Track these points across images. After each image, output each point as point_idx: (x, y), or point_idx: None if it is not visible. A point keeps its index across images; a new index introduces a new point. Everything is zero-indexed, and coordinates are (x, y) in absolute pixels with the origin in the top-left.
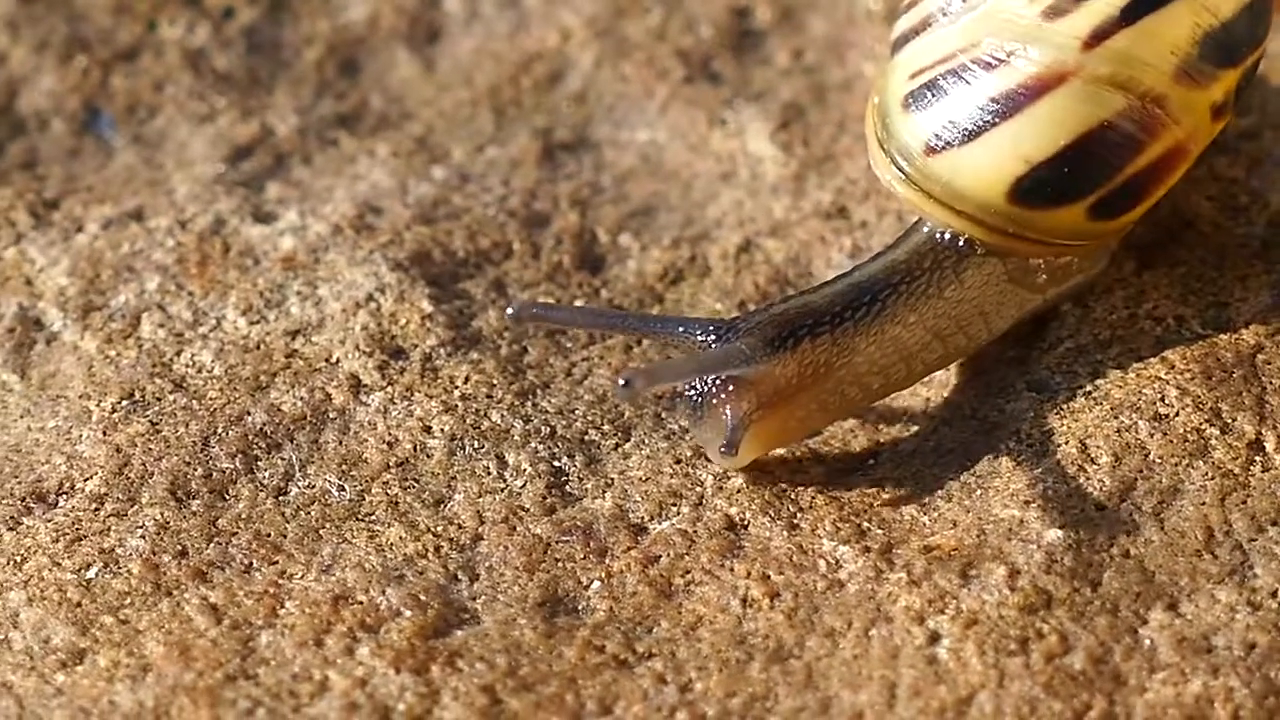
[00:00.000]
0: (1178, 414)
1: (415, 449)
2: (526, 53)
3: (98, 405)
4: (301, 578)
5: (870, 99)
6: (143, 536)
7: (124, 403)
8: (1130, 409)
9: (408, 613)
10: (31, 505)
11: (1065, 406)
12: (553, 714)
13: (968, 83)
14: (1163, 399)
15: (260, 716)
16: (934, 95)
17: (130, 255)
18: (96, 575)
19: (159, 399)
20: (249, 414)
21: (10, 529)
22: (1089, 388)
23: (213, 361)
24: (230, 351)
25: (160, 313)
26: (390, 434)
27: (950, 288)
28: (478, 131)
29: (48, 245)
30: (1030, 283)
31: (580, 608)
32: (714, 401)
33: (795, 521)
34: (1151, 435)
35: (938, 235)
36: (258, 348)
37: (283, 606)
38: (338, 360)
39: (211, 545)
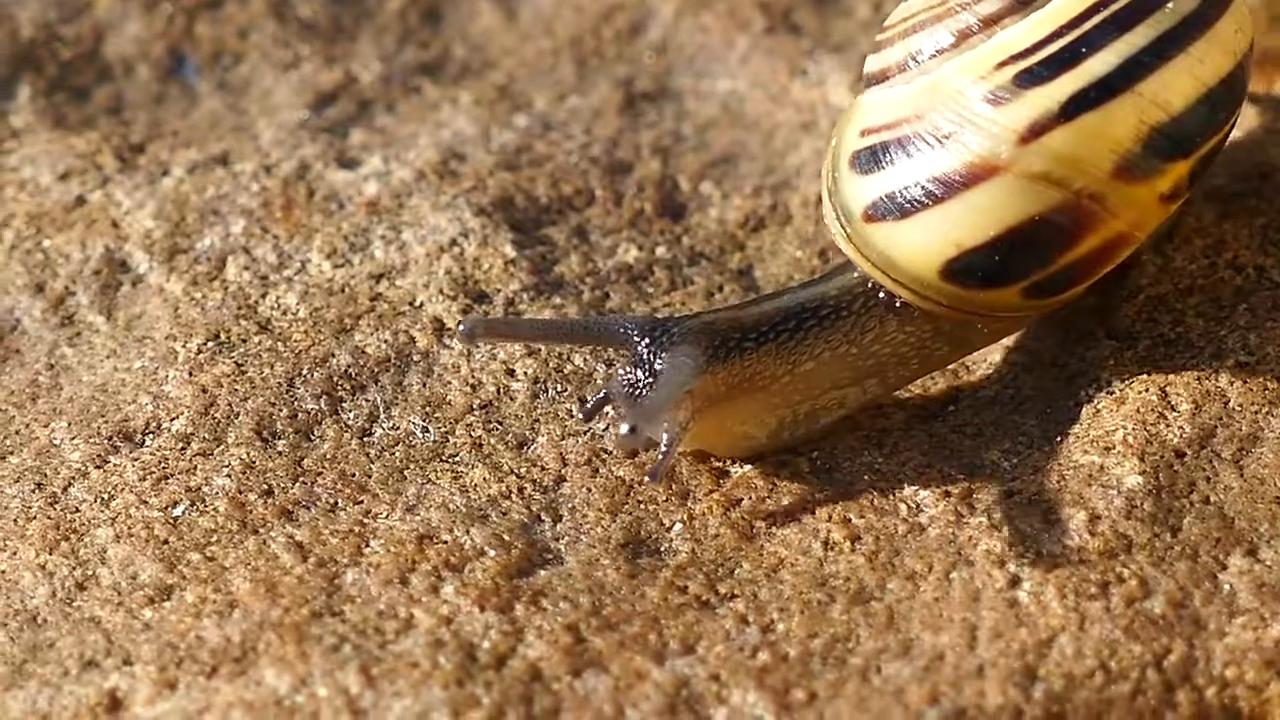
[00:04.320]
0: (1258, 362)
1: (499, 392)
2: (607, 3)
3: (183, 346)
4: (386, 517)
5: (831, 138)
6: (229, 476)
7: (209, 344)
8: (1211, 357)
9: (492, 552)
10: (118, 444)
11: (1146, 354)
12: (636, 653)
13: (909, 156)
14: (1243, 347)
15: (346, 653)
16: (876, 163)
17: (216, 199)
18: (183, 513)
19: (244, 340)
20: (334, 356)
21: (97, 467)
22: (1170, 336)
23: (298, 304)
24: (315, 294)
25: (245, 256)
26: (474, 377)
27: (870, 335)
28: (559, 80)
29: (134, 188)
30: (963, 339)
31: (663, 549)
32: (654, 409)
33: (876, 466)
34: (1231, 383)
35: (873, 288)
36: (342, 291)
37: (368, 545)
38: (421, 304)
39: (297, 485)
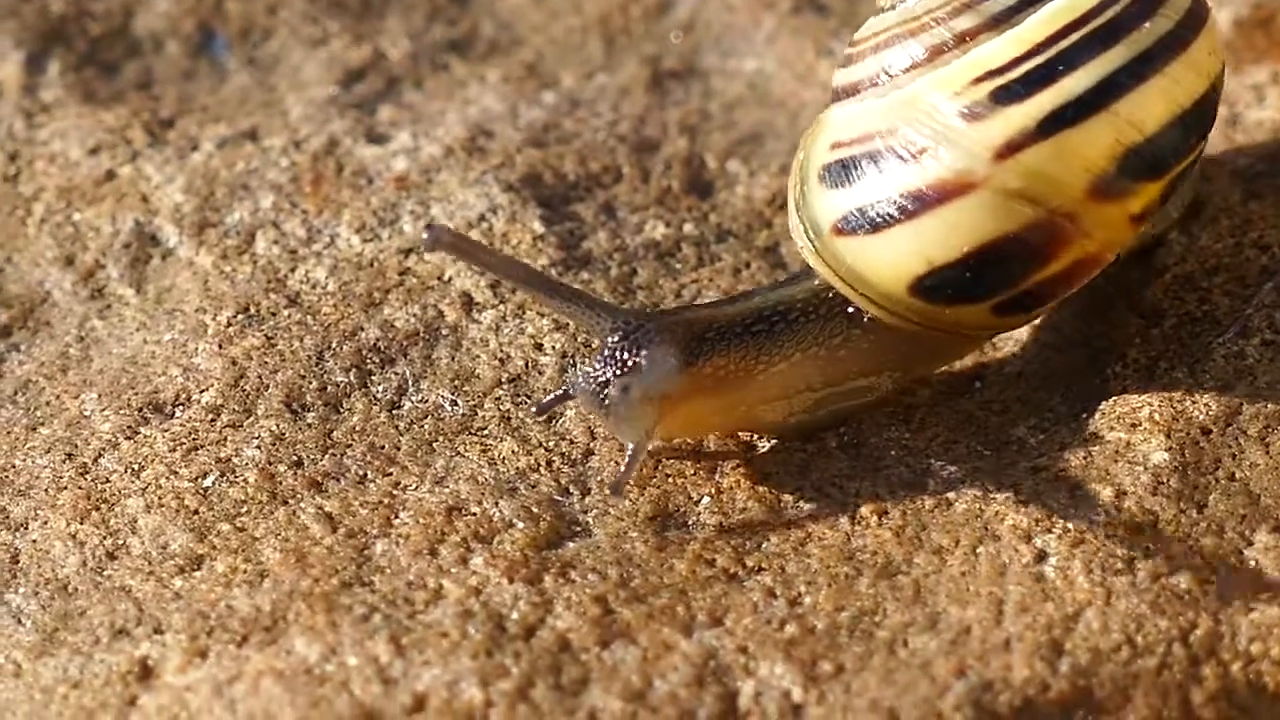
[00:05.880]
0: None
1: (527, 365)
2: None
3: (213, 319)
4: (415, 489)
5: (798, 152)
6: (259, 447)
7: (239, 317)
8: (1237, 335)
9: (520, 524)
10: (148, 415)
11: (1172, 332)
12: (664, 625)
13: (880, 171)
14: (1269, 325)
15: (376, 622)
16: (847, 177)
17: (245, 174)
18: (213, 484)
19: (274, 314)
20: (363, 329)
21: (128, 438)
22: (1196, 314)
23: (327, 278)
24: (344, 268)
25: (274, 230)
26: (502, 350)
27: (837, 339)
28: (587, 59)
29: (163, 163)
30: (924, 355)
31: (690, 522)
32: (621, 411)
33: (904, 442)
34: (1259, 361)
35: (837, 297)
36: (371, 265)
37: (397, 517)
38: (450, 278)
39: (326, 456)
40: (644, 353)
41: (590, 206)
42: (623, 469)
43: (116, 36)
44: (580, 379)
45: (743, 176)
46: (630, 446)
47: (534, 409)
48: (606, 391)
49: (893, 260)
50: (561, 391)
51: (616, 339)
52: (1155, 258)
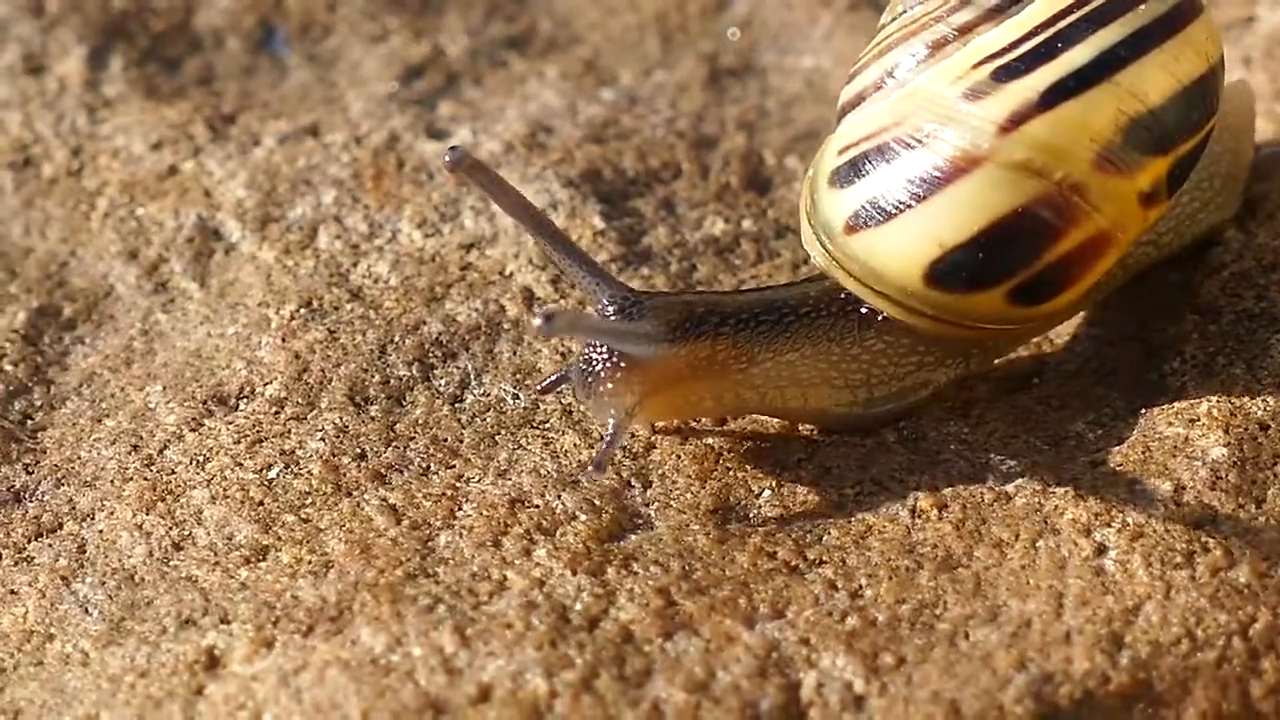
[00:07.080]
0: None
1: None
2: None
3: (276, 313)
4: (478, 481)
5: (808, 170)
6: (322, 439)
7: (302, 311)
8: None
9: (583, 517)
10: (213, 408)
11: (1229, 329)
12: (726, 616)
13: (888, 162)
14: None
15: (440, 613)
16: (856, 173)
17: (306, 169)
18: (278, 475)
19: (336, 308)
20: (425, 324)
21: (192, 430)
22: (1254, 310)
23: (389, 272)
24: (406, 263)
25: (337, 225)
26: (563, 345)
27: (848, 338)
28: (644, 56)
29: (225, 158)
30: (942, 362)
31: (751, 515)
32: (601, 389)
33: (963, 436)
34: None
35: (854, 302)
36: (433, 260)
37: (460, 509)
38: (511, 273)
39: (389, 449)
40: (631, 326)
41: (650, 202)
42: (604, 446)
43: (178, 32)
44: (576, 362)
45: (800, 173)
46: (610, 424)
47: (536, 388)
48: (591, 367)
49: (906, 248)
50: (562, 373)
51: (610, 313)
52: (1212, 255)
